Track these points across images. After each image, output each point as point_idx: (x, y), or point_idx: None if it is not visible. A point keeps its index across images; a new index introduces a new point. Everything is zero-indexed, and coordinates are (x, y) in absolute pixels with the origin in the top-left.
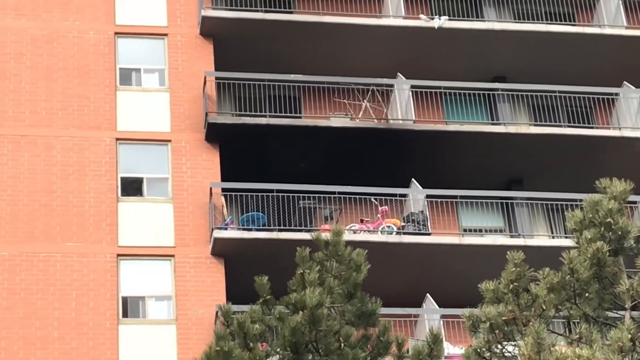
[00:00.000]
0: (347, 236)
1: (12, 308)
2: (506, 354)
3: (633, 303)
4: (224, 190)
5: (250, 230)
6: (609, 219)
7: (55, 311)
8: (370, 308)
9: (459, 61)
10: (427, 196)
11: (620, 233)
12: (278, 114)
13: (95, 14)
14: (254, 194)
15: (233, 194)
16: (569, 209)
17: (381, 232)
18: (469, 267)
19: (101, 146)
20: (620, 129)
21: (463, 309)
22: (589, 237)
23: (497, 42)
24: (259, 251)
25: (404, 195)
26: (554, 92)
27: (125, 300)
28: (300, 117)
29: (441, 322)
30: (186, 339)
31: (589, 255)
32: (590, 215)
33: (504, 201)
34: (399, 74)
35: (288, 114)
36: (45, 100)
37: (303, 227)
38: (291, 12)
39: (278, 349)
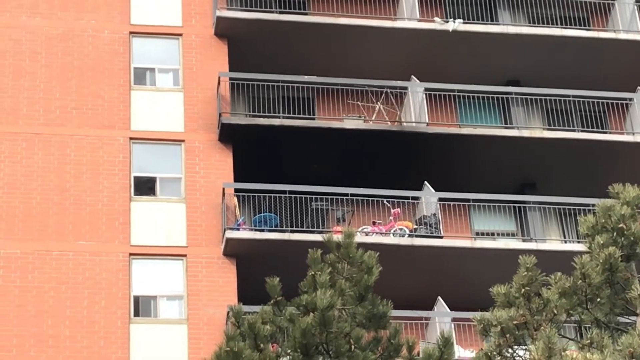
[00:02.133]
0: (359, 238)
1: (24, 306)
2: (517, 358)
3: None
4: (236, 190)
5: (262, 231)
6: (621, 225)
7: (67, 309)
8: (381, 310)
9: (473, 64)
10: (440, 199)
11: (632, 239)
12: (292, 115)
13: (111, 13)
14: (267, 194)
15: (246, 194)
16: (582, 214)
17: (393, 234)
18: (481, 270)
19: (115, 145)
20: (634, 134)
21: (474, 313)
22: (601, 242)
23: (511, 46)
24: (270, 252)
25: (417, 198)
26: (568, 96)
27: (136, 299)
28: (313, 119)
29: (452, 325)
30: (197, 338)
31: (600, 261)
32: (603, 221)
33: (517, 205)
34: (412, 76)
35: (302, 115)
36: (59, 99)
37: (315, 229)
38: (306, 14)
39: (288, 350)
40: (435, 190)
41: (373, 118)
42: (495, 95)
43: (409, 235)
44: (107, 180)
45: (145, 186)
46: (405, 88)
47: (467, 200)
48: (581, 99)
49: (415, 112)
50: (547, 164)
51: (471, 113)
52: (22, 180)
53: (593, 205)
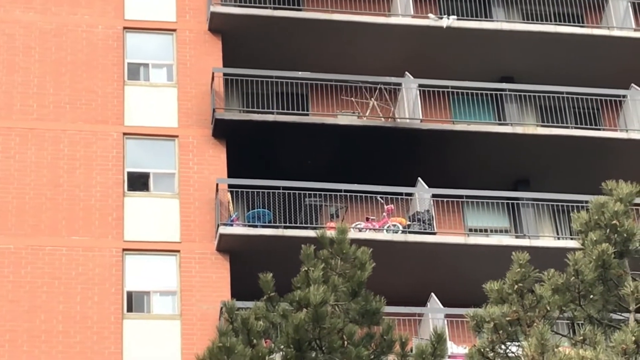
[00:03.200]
0: (353, 234)
1: (17, 301)
2: (510, 355)
3: (637, 305)
4: (230, 186)
5: (255, 226)
6: (614, 221)
7: (60, 305)
8: (374, 306)
9: (467, 61)
10: (433, 195)
11: (625, 235)
12: (285, 111)
13: (105, 9)
14: (260, 190)
15: (239, 190)
16: (575, 211)
17: (386, 230)
18: (474, 267)
19: (108, 140)
20: (627, 131)
21: (467, 309)
22: (595, 238)
23: (505, 43)
24: (264, 248)
25: (410, 194)
26: (562, 93)
27: (130, 294)
28: (307, 115)
29: (445, 322)
30: (190, 334)
31: (594, 257)
32: (596, 217)
33: (510, 201)
34: (407, 72)
35: (295, 111)
36: (53, 94)
37: (308, 225)
38: (300, 10)
39: (281, 346)
40: (429, 186)
41: (367, 114)
42: (489, 92)
43: (403, 232)
44: (101, 176)
45: (138, 181)
46: (399, 84)
47: (461, 196)
48: (575, 96)
49: (409, 108)
50: (541, 160)
51: (465, 109)
52: (15, 175)
53: (586, 202)
